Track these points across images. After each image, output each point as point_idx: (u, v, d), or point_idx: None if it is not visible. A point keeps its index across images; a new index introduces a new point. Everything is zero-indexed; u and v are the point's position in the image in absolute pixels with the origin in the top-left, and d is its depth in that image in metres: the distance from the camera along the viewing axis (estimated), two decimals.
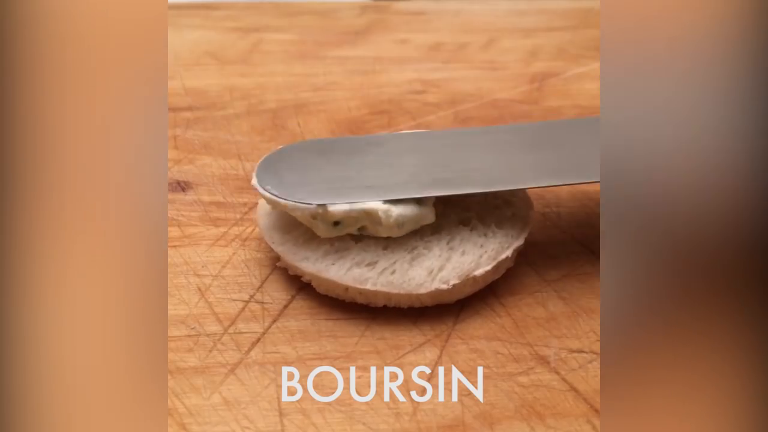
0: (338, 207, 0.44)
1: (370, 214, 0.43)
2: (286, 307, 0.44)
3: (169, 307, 0.44)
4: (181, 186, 0.52)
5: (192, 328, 0.43)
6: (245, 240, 0.48)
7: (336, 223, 0.44)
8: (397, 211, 0.43)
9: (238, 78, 0.64)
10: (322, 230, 0.44)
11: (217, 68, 0.65)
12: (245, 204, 0.51)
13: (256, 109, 0.60)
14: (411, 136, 0.49)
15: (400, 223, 0.44)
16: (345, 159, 0.46)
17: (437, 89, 0.63)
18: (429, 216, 0.45)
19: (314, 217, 0.44)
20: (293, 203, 0.44)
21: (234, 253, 0.47)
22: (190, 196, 0.52)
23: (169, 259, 0.47)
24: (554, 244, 0.48)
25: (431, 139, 0.48)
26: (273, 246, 0.45)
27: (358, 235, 0.45)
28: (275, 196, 0.44)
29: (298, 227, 0.45)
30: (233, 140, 0.57)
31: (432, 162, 0.46)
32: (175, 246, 0.48)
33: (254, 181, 0.45)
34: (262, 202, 0.47)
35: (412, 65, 0.65)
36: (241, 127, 0.58)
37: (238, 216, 0.50)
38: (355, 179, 0.45)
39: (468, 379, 0.41)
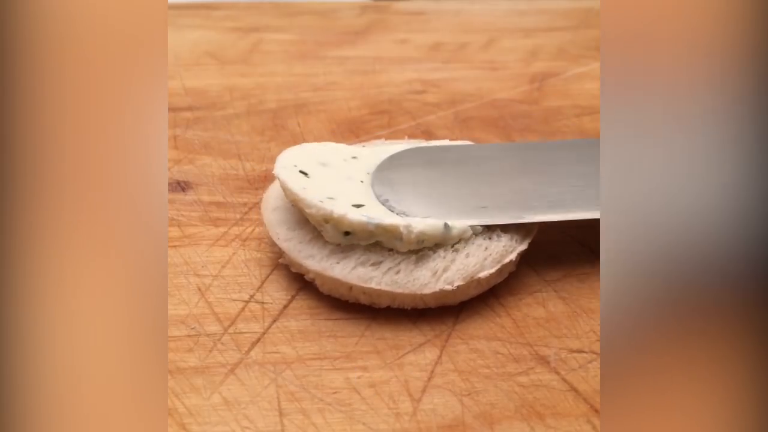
0: (355, 216, 0.44)
1: (388, 230, 0.44)
2: (286, 307, 0.44)
3: (169, 307, 0.44)
4: (181, 186, 0.52)
5: (192, 328, 0.43)
6: (245, 240, 0.48)
7: (346, 233, 0.44)
8: (418, 228, 0.44)
9: (238, 78, 0.64)
10: (330, 235, 0.44)
11: (217, 68, 0.65)
12: (245, 204, 0.51)
13: (256, 109, 0.60)
14: (516, 148, 0.50)
15: (420, 239, 0.44)
16: (454, 172, 0.48)
17: (437, 89, 0.63)
18: (451, 239, 0.45)
19: (326, 220, 0.44)
20: (310, 200, 0.44)
21: (234, 253, 0.47)
22: (190, 196, 0.52)
23: (169, 259, 0.47)
24: (554, 244, 0.48)
25: (533, 152, 0.49)
26: (278, 242, 0.45)
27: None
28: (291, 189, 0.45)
29: (305, 225, 0.45)
30: (233, 140, 0.57)
31: (537, 181, 0.47)
32: (175, 246, 0.48)
33: (276, 170, 0.46)
34: (266, 197, 0.47)
35: (412, 65, 0.65)
36: (241, 127, 0.59)
37: (238, 216, 0.50)
38: (470, 198, 0.46)
39: (468, 379, 0.41)
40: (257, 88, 0.63)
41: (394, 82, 0.64)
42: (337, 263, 0.44)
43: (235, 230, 0.49)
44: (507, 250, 0.45)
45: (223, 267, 0.46)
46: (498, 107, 0.61)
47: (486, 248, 0.45)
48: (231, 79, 0.64)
